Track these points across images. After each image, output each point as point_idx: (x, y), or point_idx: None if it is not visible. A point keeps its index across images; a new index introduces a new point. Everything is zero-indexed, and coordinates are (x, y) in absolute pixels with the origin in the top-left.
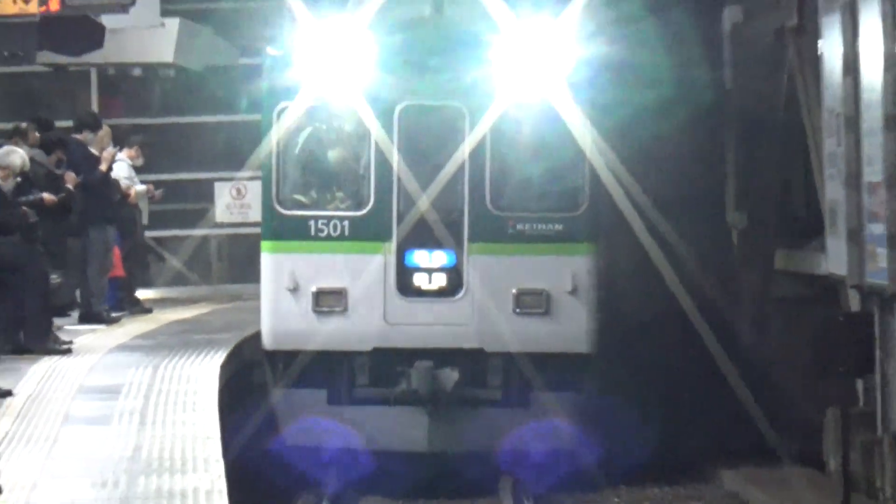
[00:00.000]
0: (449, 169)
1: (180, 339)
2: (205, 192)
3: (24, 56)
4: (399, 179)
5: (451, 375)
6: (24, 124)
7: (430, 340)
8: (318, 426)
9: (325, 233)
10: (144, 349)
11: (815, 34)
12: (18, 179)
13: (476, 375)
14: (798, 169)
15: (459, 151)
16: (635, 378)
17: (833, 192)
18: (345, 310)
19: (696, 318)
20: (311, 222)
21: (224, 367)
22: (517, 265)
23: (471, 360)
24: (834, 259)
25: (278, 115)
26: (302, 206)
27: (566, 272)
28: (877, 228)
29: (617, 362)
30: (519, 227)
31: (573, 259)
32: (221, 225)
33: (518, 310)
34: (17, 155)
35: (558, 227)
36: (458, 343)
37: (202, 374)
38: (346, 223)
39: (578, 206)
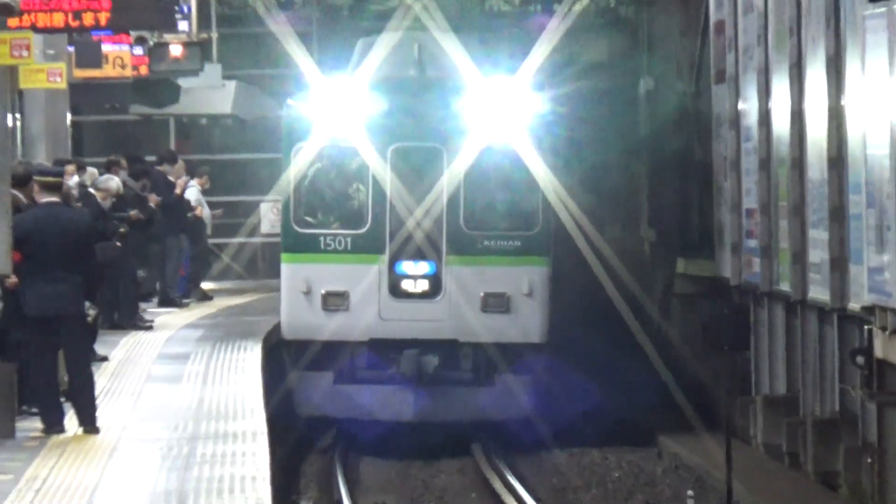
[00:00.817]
0: (431, 196)
1: (234, 320)
2: (253, 210)
3: (121, 108)
4: (391, 204)
5: (432, 360)
6: (113, 157)
7: (415, 333)
8: (326, 401)
9: (332, 247)
10: (207, 326)
11: (709, 99)
12: (114, 199)
13: (452, 360)
14: (694, 197)
15: (439, 183)
16: (579, 359)
17: (720, 215)
18: (347, 308)
19: (621, 307)
20: (321, 238)
21: (265, 340)
22: (485, 273)
23: (448, 349)
24: (721, 265)
25: (295, 153)
26: (313, 225)
27: (524, 279)
28: (752, 243)
29: (564, 348)
30: (486, 243)
31: (529, 269)
32: (265, 235)
33: (485, 308)
34: (114, 181)
35: (517, 243)
36: (437, 335)
37: (249, 345)
38: (348, 239)
39: (533, 227)
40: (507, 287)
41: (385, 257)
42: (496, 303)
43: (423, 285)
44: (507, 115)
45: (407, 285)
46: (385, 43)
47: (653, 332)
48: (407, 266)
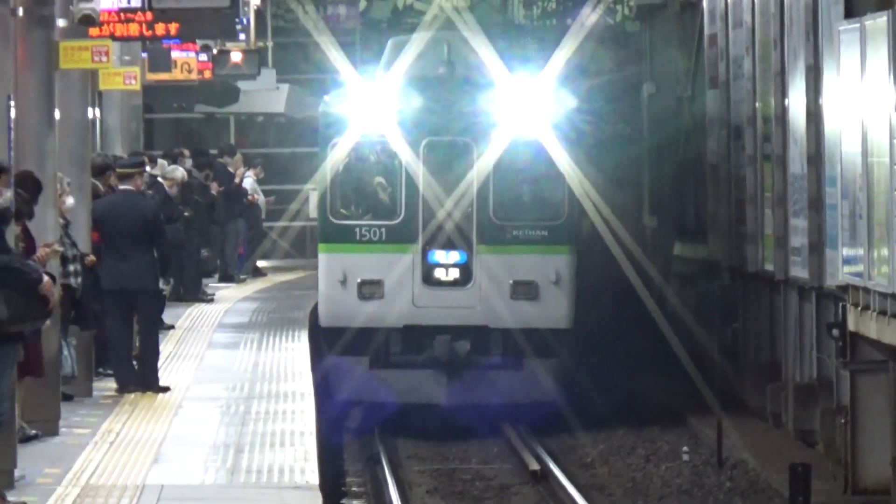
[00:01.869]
0: (461, 188)
1: (285, 294)
2: (302, 197)
3: (187, 107)
4: (423, 196)
5: (463, 346)
6: (176, 150)
7: (447, 319)
8: (362, 385)
9: (367, 237)
10: (261, 300)
11: (703, 102)
12: (180, 187)
13: (482, 346)
14: (690, 189)
15: (469, 175)
16: (598, 339)
17: (713, 204)
18: (382, 296)
19: (640, 289)
20: (357, 229)
21: (312, 312)
22: (513, 262)
23: (478, 334)
24: (713, 248)
25: (331, 149)
26: (349, 217)
27: (551, 267)
28: (741, 229)
29: (589, 331)
30: (515, 232)
31: (556, 257)
32: (312, 219)
33: (514, 296)
34: (180, 171)
35: (544, 233)
36: (468, 321)
37: (297, 316)
38: (382, 230)
39: (560, 217)
40: (534, 275)
41: (418, 247)
42: (524, 290)
43: (455, 274)
44: (534, 110)
45: (439, 274)
46: (416, 43)
47: (665, 311)
48: (439, 255)
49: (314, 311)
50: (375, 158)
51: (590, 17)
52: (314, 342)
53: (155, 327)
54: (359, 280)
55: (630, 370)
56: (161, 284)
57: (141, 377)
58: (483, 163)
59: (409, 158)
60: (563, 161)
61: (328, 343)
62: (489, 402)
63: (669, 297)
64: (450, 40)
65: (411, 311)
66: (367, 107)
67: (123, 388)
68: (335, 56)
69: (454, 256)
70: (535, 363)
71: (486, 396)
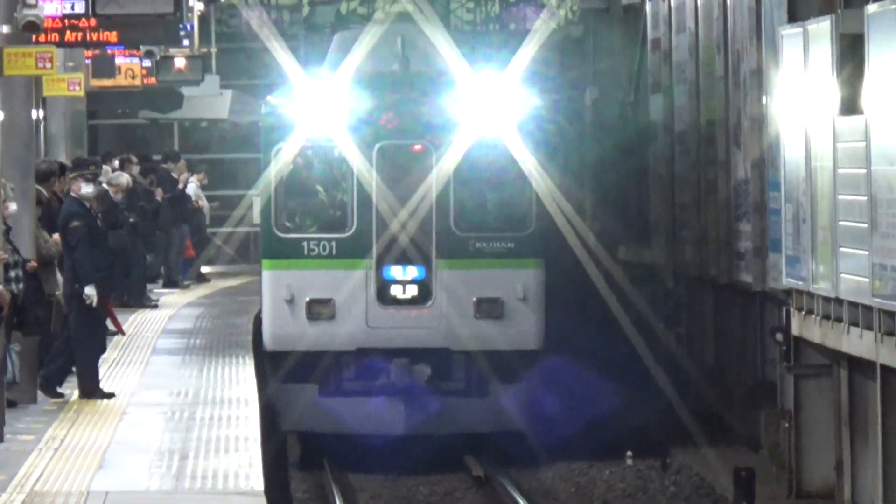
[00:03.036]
0: (418, 197)
1: (230, 299)
2: (246, 203)
3: (131, 113)
4: (377, 206)
5: (422, 370)
6: (124, 156)
7: (404, 341)
8: (311, 414)
9: (316, 252)
10: (206, 305)
11: (646, 107)
12: (125, 193)
13: (443, 370)
14: (633, 193)
15: (427, 182)
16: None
17: (657, 209)
18: (333, 316)
19: (601, 284)
20: (304, 243)
21: (256, 317)
22: (477, 277)
23: (439, 358)
24: (657, 253)
25: (275, 154)
26: (295, 229)
27: (518, 282)
28: (685, 233)
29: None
30: (478, 245)
31: (523, 272)
32: (256, 225)
33: (478, 315)
34: (124, 177)
35: (511, 245)
36: (428, 343)
37: (242, 321)
38: (333, 243)
39: (527, 228)
40: (500, 291)
41: (372, 262)
42: (489, 308)
43: (413, 291)
44: (497, 109)
45: (395, 291)
46: (367, 37)
47: (610, 315)
48: (395, 271)
49: (257, 321)
50: (324, 165)
51: (543, 20)
52: (258, 365)
53: (77, 335)
54: (307, 299)
55: (578, 376)
56: (85, 293)
57: (80, 385)
58: (442, 168)
59: (361, 164)
60: (531, 166)
61: (273, 368)
62: (450, 432)
63: (614, 301)
64: (404, 33)
65: (365, 333)
66: (314, 108)
67: (52, 394)
68: (281, 56)
69: (411, 272)
70: (500, 389)
71: (448, 426)
